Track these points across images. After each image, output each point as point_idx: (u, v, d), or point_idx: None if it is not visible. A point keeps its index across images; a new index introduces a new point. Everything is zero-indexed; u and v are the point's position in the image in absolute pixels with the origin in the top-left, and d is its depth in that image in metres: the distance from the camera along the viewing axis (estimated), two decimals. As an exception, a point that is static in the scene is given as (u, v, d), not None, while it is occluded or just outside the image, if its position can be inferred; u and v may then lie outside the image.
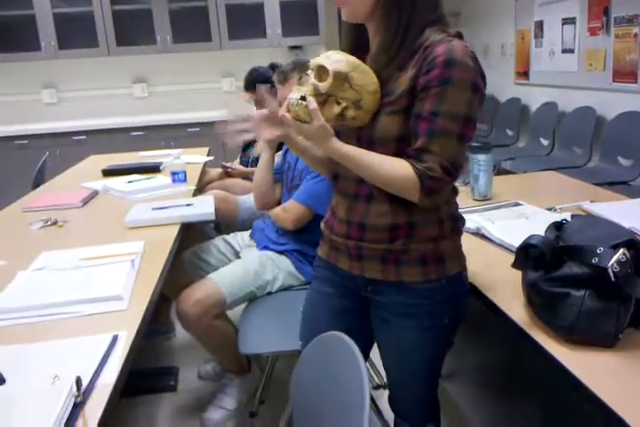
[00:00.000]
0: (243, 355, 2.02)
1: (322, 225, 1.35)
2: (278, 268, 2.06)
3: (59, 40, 4.67)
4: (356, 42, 1.21)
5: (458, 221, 1.24)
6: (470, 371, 1.77)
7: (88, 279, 1.46)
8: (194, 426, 2.07)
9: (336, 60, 1.07)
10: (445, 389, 2.01)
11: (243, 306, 2.05)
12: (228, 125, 1.29)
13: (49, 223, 2.05)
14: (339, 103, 1.09)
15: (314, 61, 1.09)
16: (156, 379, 2.32)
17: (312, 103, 1.07)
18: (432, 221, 1.18)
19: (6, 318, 1.29)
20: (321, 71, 1.07)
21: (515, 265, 1.14)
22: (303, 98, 1.08)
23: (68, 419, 0.90)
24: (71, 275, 1.50)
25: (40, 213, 2.19)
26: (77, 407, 0.93)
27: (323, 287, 1.36)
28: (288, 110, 1.11)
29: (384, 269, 1.20)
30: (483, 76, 1.10)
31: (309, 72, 1.10)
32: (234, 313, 2.09)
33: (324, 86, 1.06)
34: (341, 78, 1.06)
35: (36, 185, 3.12)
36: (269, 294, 2.07)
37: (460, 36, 1.11)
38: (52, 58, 4.72)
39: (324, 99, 1.08)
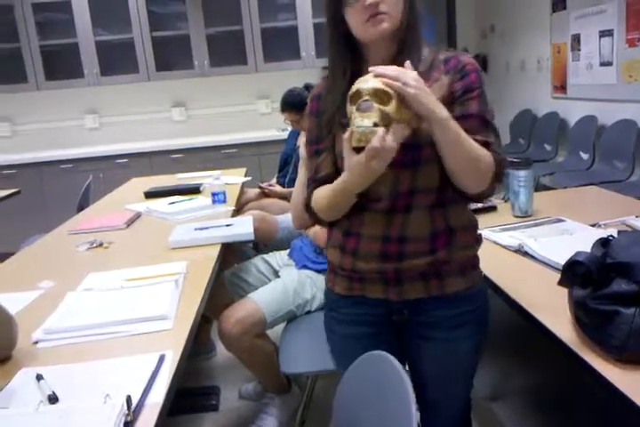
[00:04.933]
0: (283, 374, 2.02)
1: (333, 255, 1.27)
2: (317, 287, 2.07)
3: (101, 67, 4.84)
4: (349, 66, 1.19)
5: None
6: (517, 392, 1.73)
7: (134, 300, 1.49)
8: (236, 446, 2.08)
9: (383, 83, 1.04)
10: (492, 411, 1.97)
11: (282, 325, 2.06)
12: None
13: (95, 245, 2.11)
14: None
15: (364, 87, 1.04)
16: (197, 398, 2.34)
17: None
18: (469, 227, 1.24)
19: (57, 338, 1.33)
20: (382, 95, 1.03)
21: (561, 283, 1.12)
22: (376, 124, 1.03)
23: (119, 438, 0.92)
24: (118, 295, 1.54)
25: (86, 236, 2.26)
26: (128, 426, 0.95)
27: (351, 329, 1.30)
28: (359, 140, 1.03)
29: (427, 286, 1.20)
30: None
31: (367, 98, 1.04)
32: (274, 333, 2.10)
33: (391, 110, 1.03)
34: (401, 99, 1.04)
35: (81, 208, 3.22)
36: (308, 313, 2.07)
37: (466, 51, 1.22)
38: (95, 84, 4.89)
39: (396, 122, 1.04)
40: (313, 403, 2.19)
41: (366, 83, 1.05)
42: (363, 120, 1.03)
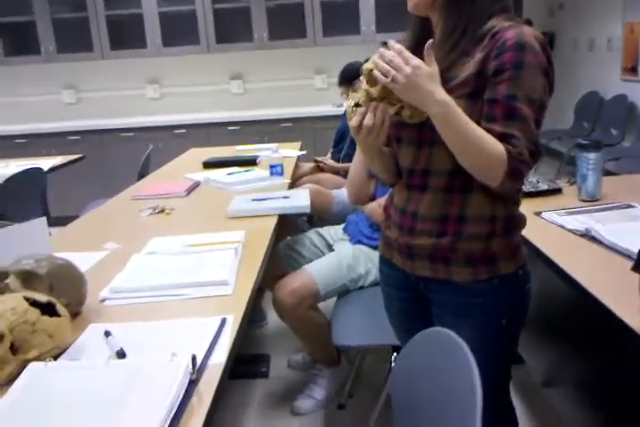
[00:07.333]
0: (333, 347, 2.05)
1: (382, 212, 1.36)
2: (371, 262, 2.07)
3: (163, 38, 4.90)
4: (420, 35, 1.19)
5: (513, 222, 1.19)
6: (574, 379, 1.70)
7: (196, 264, 1.53)
8: (284, 412, 2.13)
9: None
10: (545, 397, 1.94)
11: (333, 300, 2.08)
12: None
13: (157, 211, 2.17)
14: (393, 104, 1.07)
15: (365, 66, 1.07)
16: (249, 365, 2.40)
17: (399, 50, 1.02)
18: (484, 218, 1.15)
19: (123, 298, 1.38)
20: (372, 75, 1.05)
21: (635, 268, 1.09)
22: (357, 104, 1.09)
23: (184, 394, 0.95)
24: (181, 260, 1.58)
25: (148, 202, 2.32)
26: (192, 384, 0.98)
27: (387, 289, 1.39)
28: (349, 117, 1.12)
29: (433, 268, 1.20)
30: (551, 65, 1.08)
31: (361, 78, 1.09)
32: (325, 307, 2.12)
33: (375, 91, 1.05)
34: None
35: (141, 176, 3.30)
36: (361, 288, 2.08)
37: (529, 23, 1.10)
38: (157, 55, 4.96)
39: (378, 102, 1.07)
40: (361, 377, 2.21)
41: (369, 62, 1.08)
42: (350, 100, 1.11)
